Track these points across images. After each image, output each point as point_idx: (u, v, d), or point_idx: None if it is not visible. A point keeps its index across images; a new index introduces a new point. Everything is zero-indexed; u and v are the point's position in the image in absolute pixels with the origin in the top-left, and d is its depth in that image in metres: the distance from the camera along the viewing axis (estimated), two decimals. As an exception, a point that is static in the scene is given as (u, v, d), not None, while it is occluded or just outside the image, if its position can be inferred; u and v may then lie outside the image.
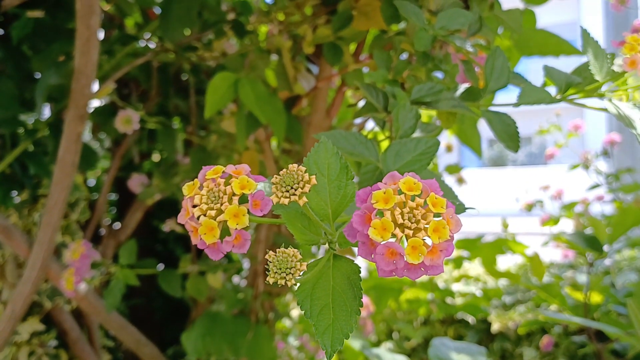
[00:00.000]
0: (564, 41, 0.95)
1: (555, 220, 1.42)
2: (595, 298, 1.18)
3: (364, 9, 0.75)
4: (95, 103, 1.29)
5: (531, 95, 0.44)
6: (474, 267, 1.62)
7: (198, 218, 0.25)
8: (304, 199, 0.23)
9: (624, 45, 0.38)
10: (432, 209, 0.23)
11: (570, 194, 1.88)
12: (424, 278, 1.43)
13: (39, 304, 1.03)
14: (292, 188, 0.23)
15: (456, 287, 1.54)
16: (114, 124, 0.95)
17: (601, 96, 0.42)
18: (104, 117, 1.14)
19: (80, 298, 0.90)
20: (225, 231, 0.25)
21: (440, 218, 0.23)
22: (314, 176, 0.24)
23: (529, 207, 1.54)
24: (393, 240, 0.23)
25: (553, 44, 0.95)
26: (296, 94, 0.83)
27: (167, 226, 0.95)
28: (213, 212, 0.25)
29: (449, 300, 1.48)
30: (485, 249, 1.25)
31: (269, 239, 0.91)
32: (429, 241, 0.23)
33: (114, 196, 1.53)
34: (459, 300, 1.46)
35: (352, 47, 0.87)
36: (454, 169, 1.26)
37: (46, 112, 1.11)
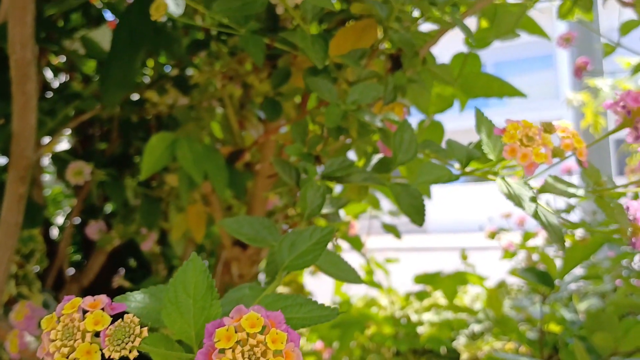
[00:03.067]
0: (506, 84, 0.98)
1: (512, 254, 1.44)
2: (556, 328, 1.19)
3: (301, 66, 0.77)
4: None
5: (430, 173, 0.45)
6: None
7: (53, 354, 0.25)
8: (135, 352, 0.24)
9: (504, 133, 0.39)
10: (270, 347, 0.24)
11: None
12: (389, 311, 1.43)
13: (-4, 357, 1.01)
14: (122, 342, 0.24)
15: (426, 316, 1.55)
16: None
17: (495, 174, 0.44)
18: (63, 164, 1.14)
19: (30, 355, 0.89)
20: (81, 366, 0.25)
21: (281, 354, 0.24)
22: (145, 328, 0.25)
23: (492, 235, 1.57)
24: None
25: (496, 87, 0.98)
26: (240, 147, 0.84)
27: (115, 283, 0.95)
28: (66, 350, 0.25)
29: (420, 329, 1.48)
30: (446, 282, 1.26)
31: (222, 290, 0.91)
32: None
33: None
34: (428, 330, 1.46)
35: (299, 97, 0.88)
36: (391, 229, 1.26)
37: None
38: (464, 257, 1.49)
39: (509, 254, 1.43)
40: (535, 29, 1.01)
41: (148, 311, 0.31)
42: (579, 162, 0.43)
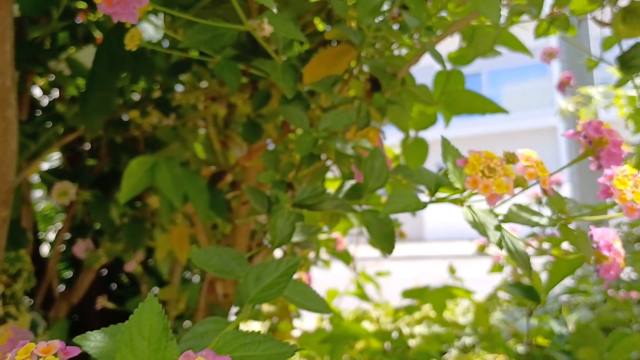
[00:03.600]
0: (489, 101, 0.99)
1: (500, 267, 1.44)
2: (544, 341, 1.19)
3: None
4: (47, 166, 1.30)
5: (398, 202, 0.45)
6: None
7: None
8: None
9: (466, 165, 0.40)
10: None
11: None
12: (379, 326, 1.43)
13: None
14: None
15: (418, 329, 1.55)
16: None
17: (461, 202, 0.44)
18: (50, 183, 1.14)
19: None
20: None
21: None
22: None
23: (482, 248, 1.57)
24: None
25: (479, 104, 0.99)
26: (223, 168, 0.84)
27: (99, 305, 0.95)
28: (19, 395, 0.25)
29: (412, 342, 1.48)
30: (434, 296, 1.27)
31: (206, 309, 0.91)
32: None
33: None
34: (418, 343, 1.46)
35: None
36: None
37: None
38: (452, 271, 1.49)
39: (497, 267, 1.43)
40: (516, 46, 1.03)
41: (107, 351, 0.31)
42: (544, 191, 0.44)
